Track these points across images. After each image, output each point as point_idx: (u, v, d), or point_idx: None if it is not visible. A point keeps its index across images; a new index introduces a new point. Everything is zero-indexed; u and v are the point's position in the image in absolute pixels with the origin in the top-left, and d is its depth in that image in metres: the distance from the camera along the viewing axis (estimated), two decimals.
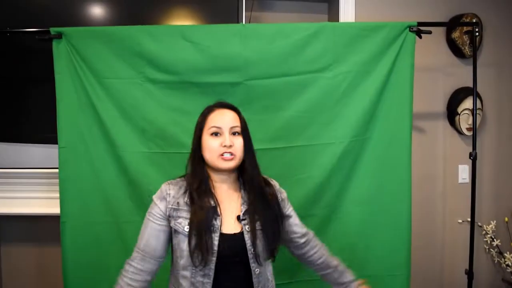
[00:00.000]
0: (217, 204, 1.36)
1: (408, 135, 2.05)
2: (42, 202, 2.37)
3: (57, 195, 2.00)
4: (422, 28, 2.04)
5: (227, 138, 1.36)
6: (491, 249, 2.68)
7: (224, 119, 1.39)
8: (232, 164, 1.36)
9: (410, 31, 2.02)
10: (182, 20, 2.40)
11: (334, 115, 2.04)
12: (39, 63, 2.24)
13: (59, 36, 1.99)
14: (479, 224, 2.68)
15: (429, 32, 2.04)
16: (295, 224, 1.53)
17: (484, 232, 2.68)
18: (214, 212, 1.34)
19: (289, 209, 1.52)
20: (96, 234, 2.02)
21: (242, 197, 1.41)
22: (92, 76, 1.99)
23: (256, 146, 1.99)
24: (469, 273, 2.18)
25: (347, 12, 2.56)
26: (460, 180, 2.68)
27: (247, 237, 1.34)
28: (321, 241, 1.63)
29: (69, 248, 2.00)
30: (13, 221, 2.70)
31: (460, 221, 2.66)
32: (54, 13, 2.35)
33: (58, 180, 1.98)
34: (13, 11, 2.36)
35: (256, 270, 1.35)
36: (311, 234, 1.57)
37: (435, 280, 2.72)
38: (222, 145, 1.35)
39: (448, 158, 2.69)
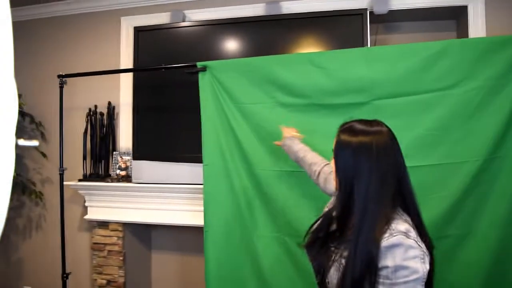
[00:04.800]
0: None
1: None
2: (188, 214, 2.68)
3: (201, 208, 2.26)
4: None
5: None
6: None
7: None
8: (333, 185, 1.32)
9: None
10: (310, 47, 2.58)
11: (466, 132, 1.98)
12: (185, 94, 2.59)
13: (204, 69, 2.29)
14: None
15: None
16: None
17: None
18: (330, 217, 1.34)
19: (381, 280, 1.13)
20: (233, 244, 2.23)
21: None
22: (231, 102, 2.24)
23: None
24: None
25: (477, 27, 2.49)
26: None
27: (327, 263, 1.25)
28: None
29: (211, 255, 2.23)
30: (162, 231, 3.10)
31: None
32: (199, 49, 2.71)
33: (202, 194, 2.26)
34: (165, 50, 2.78)
35: None
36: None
37: None
38: None
39: None
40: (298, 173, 2.13)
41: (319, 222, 1.34)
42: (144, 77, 2.82)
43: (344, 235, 1.21)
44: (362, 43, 2.41)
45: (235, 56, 2.63)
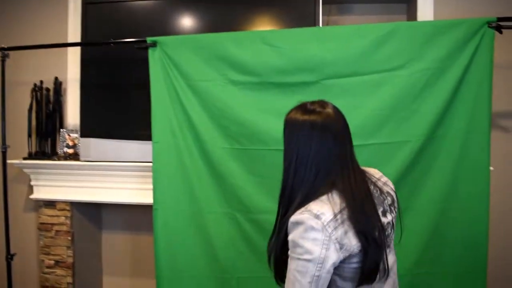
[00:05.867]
0: None
1: (487, 133, 2.00)
2: (139, 192, 2.64)
3: (151, 186, 2.23)
4: (503, 23, 1.99)
5: None
6: None
7: None
8: None
9: (489, 27, 1.99)
10: (262, 26, 2.56)
11: (411, 113, 2.05)
12: (135, 70, 2.52)
13: (154, 44, 2.24)
14: None
15: (511, 27, 1.98)
16: None
17: None
18: None
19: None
20: (183, 221, 2.23)
21: None
22: (182, 79, 2.21)
23: None
24: None
25: (426, 11, 2.55)
26: None
27: None
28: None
29: (160, 233, 2.22)
30: (113, 210, 3.05)
31: None
32: (149, 24, 2.63)
33: (151, 172, 2.23)
34: (114, 24, 2.68)
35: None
36: None
37: None
38: None
39: None
40: (248, 150, 2.15)
41: None
42: (93, 52, 2.71)
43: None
44: (314, 23, 2.42)
45: (187, 33, 2.57)
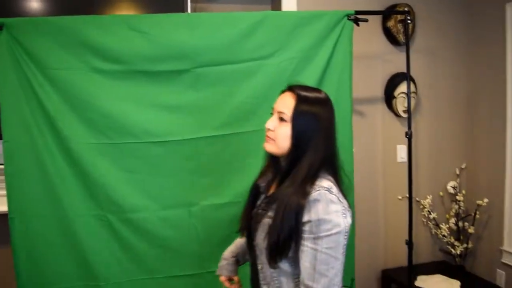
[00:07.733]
0: (265, 185, 1.40)
1: (349, 118, 2.18)
2: None
3: (5, 192, 1.94)
4: (359, 16, 2.16)
5: (270, 120, 1.31)
6: (429, 222, 2.90)
7: (279, 101, 1.32)
8: (268, 148, 1.32)
9: (348, 19, 2.14)
10: (125, 11, 2.39)
11: None
12: None
13: None
14: (417, 199, 2.88)
15: (366, 20, 2.17)
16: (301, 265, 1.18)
17: (421, 206, 2.89)
18: (256, 190, 1.41)
19: (305, 235, 1.17)
20: (46, 229, 1.99)
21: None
22: (35, 67, 1.94)
23: (206, 133, 2.08)
24: (409, 243, 2.36)
25: (289, 1, 2.65)
26: (399, 159, 2.87)
27: (255, 225, 1.30)
28: None
29: (19, 245, 1.96)
30: None
31: (400, 197, 2.85)
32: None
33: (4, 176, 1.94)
34: None
35: (258, 265, 1.30)
36: None
37: (380, 252, 2.91)
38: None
39: (387, 139, 2.87)
40: (118, 145, 2.00)
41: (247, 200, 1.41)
42: None
43: (273, 198, 1.27)
44: (183, 10, 2.34)
45: (40, 15, 2.28)
